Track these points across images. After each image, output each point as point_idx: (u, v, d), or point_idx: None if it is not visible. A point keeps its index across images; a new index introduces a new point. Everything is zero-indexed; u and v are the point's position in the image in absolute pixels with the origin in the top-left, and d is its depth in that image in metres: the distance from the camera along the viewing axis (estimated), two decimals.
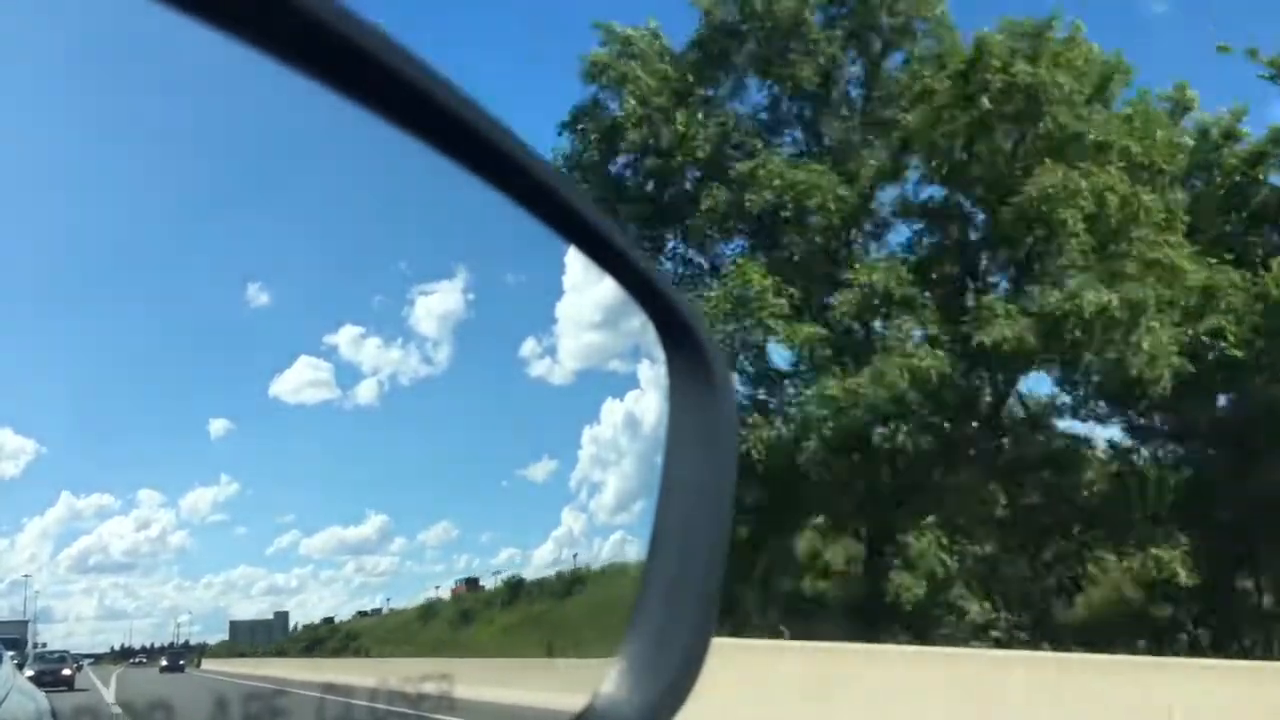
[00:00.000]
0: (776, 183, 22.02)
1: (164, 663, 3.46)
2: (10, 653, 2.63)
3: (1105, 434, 25.59)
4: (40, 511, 2.19)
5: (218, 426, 2.62)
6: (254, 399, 2.51)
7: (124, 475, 2.49)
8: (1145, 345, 20.39)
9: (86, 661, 3.23)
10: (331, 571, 3.77)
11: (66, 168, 1.70)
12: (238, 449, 2.65)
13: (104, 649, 3.28)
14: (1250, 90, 32.94)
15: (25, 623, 2.56)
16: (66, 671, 3.08)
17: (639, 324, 1.25)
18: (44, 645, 2.90)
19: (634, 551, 1.24)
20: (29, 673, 2.89)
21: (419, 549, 3.34)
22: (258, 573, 3.32)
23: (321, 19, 0.84)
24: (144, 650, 3.25)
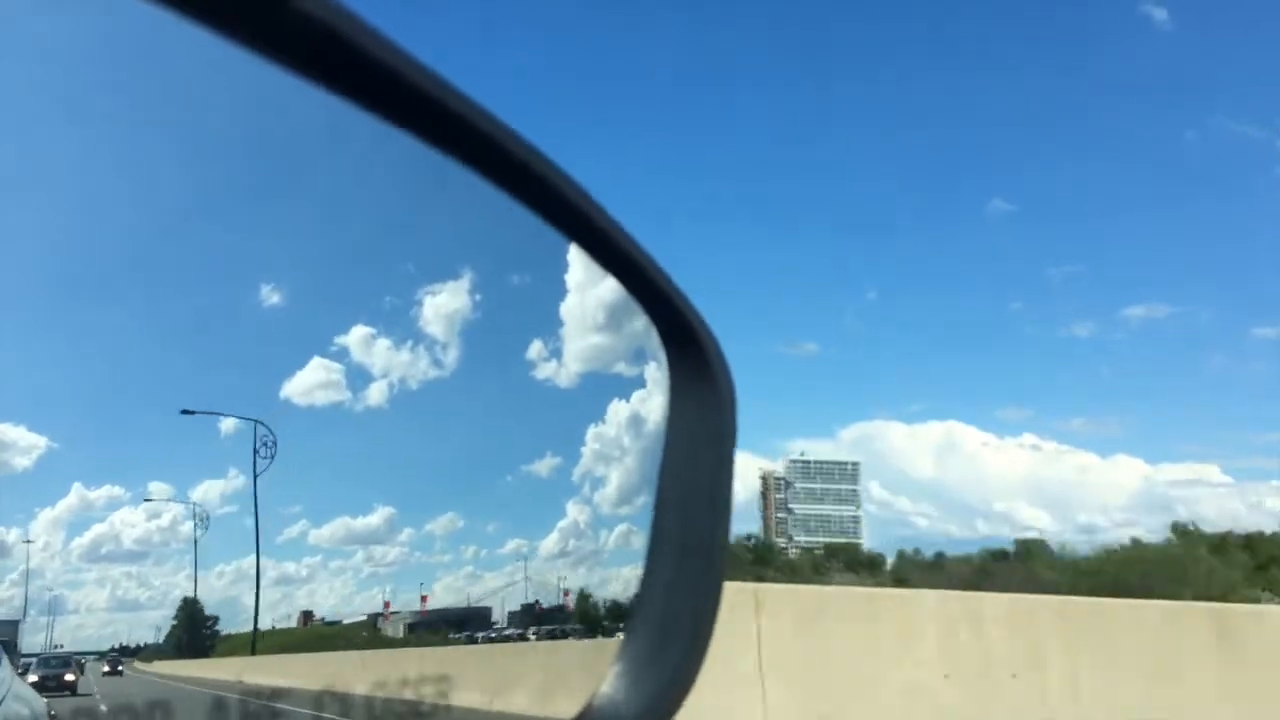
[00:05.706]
0: None
1: (105, 668, 3.53)
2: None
3: None
4: (52, 503, 2.21)
5: (228, 425, 2.66)
6: (266, 399, 2.55)
7: (135, 472, 2.52)
8: None
9: (90, 658, 3.19)
10: (341, 561, 3.89)
11: (84, 166, 1.72)
12: (249, 445, 2.70)
13: (108, 645, 3.31)
14: None
15: (15, 623, 2.51)
16: (70, 677, 2.95)
17: (643, 325, 1.25)
18: (60, 646, 2.81)
19: (639, 543, 1.24)
20: (32, 679, 2.80)
21: (427, 539, 3.42)
22: (268, 562, 3.42)
23: (329, 27, 0.85)
24: (111, 651, 3.34)
